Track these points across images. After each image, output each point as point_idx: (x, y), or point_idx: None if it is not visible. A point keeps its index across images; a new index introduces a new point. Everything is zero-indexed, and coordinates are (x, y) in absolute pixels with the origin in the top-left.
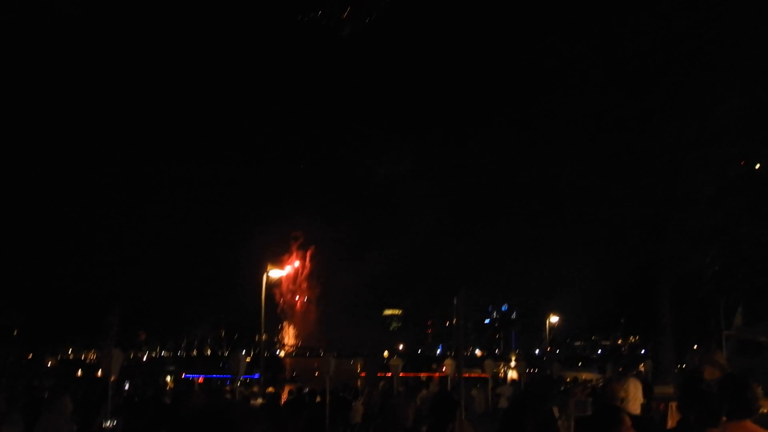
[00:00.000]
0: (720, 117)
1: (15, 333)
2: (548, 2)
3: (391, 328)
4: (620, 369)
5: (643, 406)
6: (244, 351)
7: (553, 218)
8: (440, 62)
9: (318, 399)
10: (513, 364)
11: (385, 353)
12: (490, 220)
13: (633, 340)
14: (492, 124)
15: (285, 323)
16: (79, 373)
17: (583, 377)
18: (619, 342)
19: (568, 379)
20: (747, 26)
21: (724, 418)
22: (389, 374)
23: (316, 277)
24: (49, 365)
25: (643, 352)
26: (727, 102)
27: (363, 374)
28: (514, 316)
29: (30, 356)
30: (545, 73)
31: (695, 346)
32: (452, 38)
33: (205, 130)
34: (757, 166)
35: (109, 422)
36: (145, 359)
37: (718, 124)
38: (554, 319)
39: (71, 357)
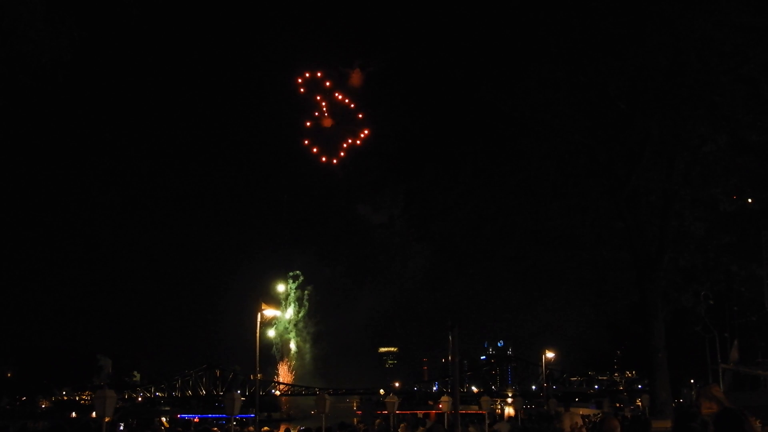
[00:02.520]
0: (707, 155)
1: (9, 375)
2: (533, 43)
3: (386, 366)
4: (617, 405)
5: None
6: (239, 390)
7: (548, 258)
8: (424, 100)
9: None
10: (510, 400)
11: (381, 391)
12: (483, 260)
13: (630, 375)
14: (479, 166)
15: (280, 362)
16: (74, 414)
17: (580, 413)
18: (616, 377)
19: None
20: (728, 67)
21: None
22: (386, 411)
23: (312, 315)
24: (43, 407)
25: (640, 387)
26: (714, 141)
27: (359, 412)
28: (510, 351)
29: (23, 398)
30: (532, 115)
31: (692, 381)
32: (433, 78)
33: (198, 167)
34: (750, 200)
35: None
36: (140, 400)
37: (706, 162)
38: (550, 354)
39: (65, 398)
